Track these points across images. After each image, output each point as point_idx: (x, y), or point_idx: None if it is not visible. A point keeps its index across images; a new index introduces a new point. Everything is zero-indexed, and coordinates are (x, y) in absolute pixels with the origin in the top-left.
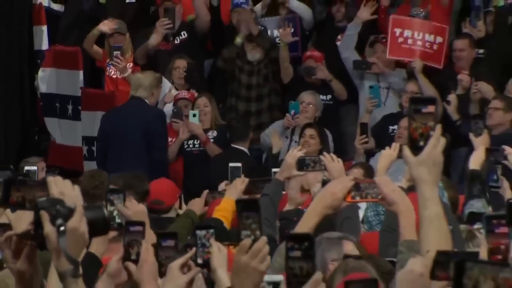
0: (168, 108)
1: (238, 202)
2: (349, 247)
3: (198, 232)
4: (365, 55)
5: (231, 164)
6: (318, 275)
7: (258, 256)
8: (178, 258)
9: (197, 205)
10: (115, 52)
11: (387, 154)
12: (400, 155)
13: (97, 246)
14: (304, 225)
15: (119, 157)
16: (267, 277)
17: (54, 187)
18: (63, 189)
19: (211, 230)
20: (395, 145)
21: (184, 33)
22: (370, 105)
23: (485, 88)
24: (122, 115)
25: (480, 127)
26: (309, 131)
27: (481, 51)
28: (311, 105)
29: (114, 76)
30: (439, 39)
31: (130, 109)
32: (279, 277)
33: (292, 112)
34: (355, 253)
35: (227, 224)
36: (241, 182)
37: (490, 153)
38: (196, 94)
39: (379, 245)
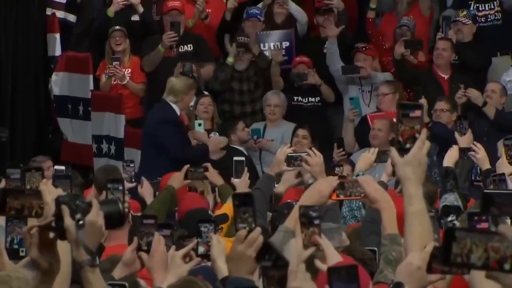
0: None
1: (235, 196)
2: (343, 237)
3: (200, 225)
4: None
5: (235, 158)
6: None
7: (253, 245)
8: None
9: (177, 179)
10: (114, 63)
11: (366, 157)
12: (376, 159)
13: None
14: (292, 221)
15: (148, 160)
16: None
17: (48, 195)
18: (56, 196)
19: (212, 224)
20: (374, 150)
21: (190, 46)
22: (351, 115)
23: (476, 95)
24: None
25: (465, 127)
26: (302, 132)
27: (456, 57)
28: (277, 107)
29: (114, 83)
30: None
31: (150, 113)
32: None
33: (255, 137)
34: (347, 242)
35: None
36: (244, 189)
37: (463, 151)
38: None
39: (361, 235)
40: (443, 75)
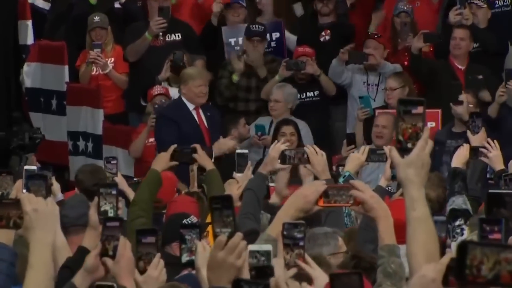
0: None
1: (212, 199)
2: (339, 242)
3: (183, 231)
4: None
5: (237, 151)
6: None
7: (235, 252)
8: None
9: (161, 161)
10: (95, 50)
11: (355, 157)
12: (368, 159)
13: (89, 240)
14: (275, 228)
15: None
16: (256, 247)
17: (28, 204)
18: (36, 205)
19: (196, 229)
20: (363, 149)
21: (178, 35)
22: (361, 115)
23: None
24: None
25: (478, 125)
26: (289, 129)
27: (476, 45)
28: (278, 103)
29: (96, 73)
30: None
31: None
32: (268, 247)
33: (259, 133)
34: (343, 248)
35: None
36: (237, 188)
37: (474, 151)
38: (169, 89)
39: (356, 242)
40: (459, 66)
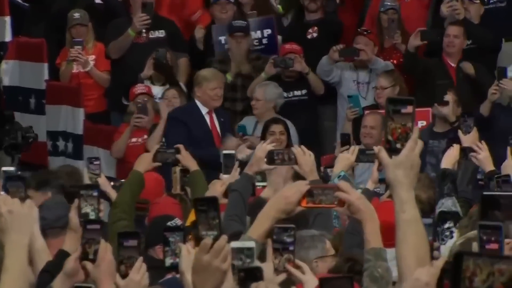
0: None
1: (197, 200)
2: (327, 245)
3: (167, 234)
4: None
5: (224, 152)
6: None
7: (220, 255)
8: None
9: (144, 162)
10: (76, 47)
11: (344, 158)
12: (357, 160)
13: (70, 243)
14: (256, 230)
15: None
16: (238, 244)
17: (2, 206)
18: (11, 207)
19: (181, 232)
20: (353, 149)
21: (162, 32)
22: (351, 114)
23: (511, 86)
24: None
25: (469, 124)
26: (278, 128)
27: (469, 42)
28: (259, 101)
29: (77, 71)
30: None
31: None
32: (251, 243)
33: (241, 134)
34: (331, 252)
35: None
36: (221, 184)
37: (465, 152)
38: (151, 87)
39: (343, 247)
40: (453, 64)
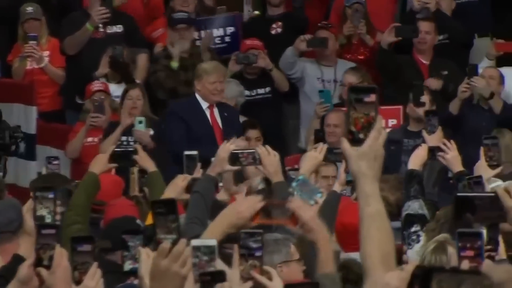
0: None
1: (154, 203)
2: (291, 250)
3: (126, 237)
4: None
5: (186, 153)
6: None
7: (179, 259)
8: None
9: (99, 163)
10: (30, 42)
11: (312, 157)
12: (325, 159)
13: (25, 248)
14: (216, 231)
15: None
16: (198, 242)
17: None
18: None
19: (140, 235)
20: (321, 147)
21: (120, 27)
22: (321, 110)
23: (483, 84)
24: None
25: (434, 124)
26: (254, 133)
27: (441, 37)
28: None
29: (30, 67)
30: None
31: None
32: (213, 241)
33: None
34: (296, 256)
35: None
36: (182, 179)
37: (432, 152)
38: (108, 85)
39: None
40: (424, 61)
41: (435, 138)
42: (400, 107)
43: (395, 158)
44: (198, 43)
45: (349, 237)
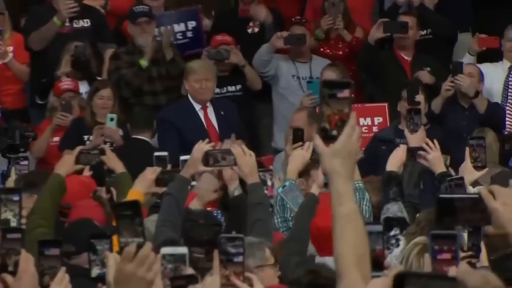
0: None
1: (117, 206)
2: (266, 254)
3: (94, 241)
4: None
5: (156, 154)
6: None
7: (145, 264)
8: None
9: (65, 164)
10: None
11: (299, 155)
12: (312, 157)
13: None
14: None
15: None
16: (169, 250)
17: None
18: None
19: (109, 240)
20: (308, 145)
21: (87, 21)
22: (309, 102)
23: (468, 83)
24: None
25: (416, 122)
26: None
27: (424, 32)
28: None
29: None
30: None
31: None
32: (183, 249)
33: None
34: (271, 261)
35: None
36: (151, 172)
37: (411, 152)
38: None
39: (282, 254)
40: (406, 57)
41: (417, 137)
42: (386, 104)
43: (387, 157)
44: (158, 39)
45: (325, 240)
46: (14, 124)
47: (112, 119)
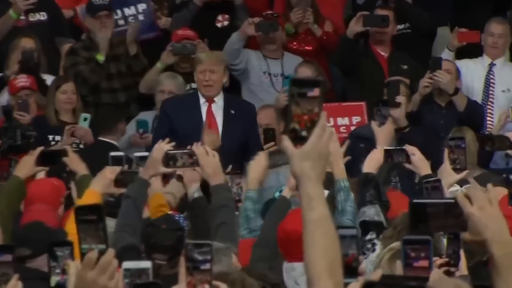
0: (4, 99)
1: (78, 209)
2: (233, 260)
3: (55, 249)
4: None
5: (111, 154)
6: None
7: (107, 271)
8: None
9: (25, 166)
10: None
11: (258, 163)
12: (271, 164)
13: None
14: None
15: None
16: (131, 264)
17: None
18: None
19: (69, 247)
20: (261, 154)
21: (43, 15)
22: (285, 99)
23: (447, 79)
24: None
25: (384, 114)
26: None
27: (401, 26)
28: (172, 95)
29: None
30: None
31: None
32: (147, 264)
33: (141, 131)
34: (238, 267)
35: None
36: (111, 171)
37: (389, 154)
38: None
39: (250, 260)
40: (383, 53)
41: (385, 130)
42: (363, 103)
43: (365, 156)
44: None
45: (293, 246)
46: (14, 123)
47: (85, 119)
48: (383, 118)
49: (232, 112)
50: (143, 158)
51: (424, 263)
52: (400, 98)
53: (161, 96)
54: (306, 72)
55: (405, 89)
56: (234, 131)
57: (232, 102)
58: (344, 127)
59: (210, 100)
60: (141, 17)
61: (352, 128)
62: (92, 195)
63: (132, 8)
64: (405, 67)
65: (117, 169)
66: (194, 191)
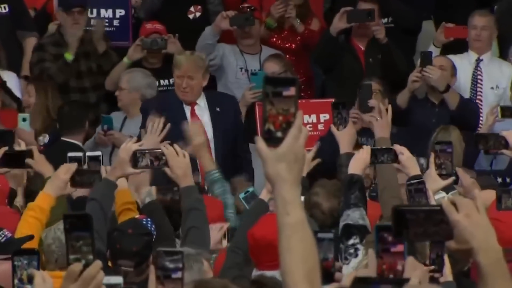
0: None
1: (66, 217)
2: (205, 266)
3: (16, 258)
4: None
5: (88, 154)
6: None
7: (91, 284)
8: None
9: None
10: None
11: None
12: None
13: None
14: None
15: None
16: (104, 279)
17: None
18: None
19: (35, 255)
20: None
21: (5, 7)
22: (251, 97)
23: (437, 75)
24: None
25: (344, 117)
26: None
27: (385, 20)
28: (123, 91)
29: None
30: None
31: None
32: (118, 279)
33: (105, 127)
34: (210, 273)
35: (40, 229)
36: (65, 171)
37: (375, 155)
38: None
39: (222, 266)
40: (361, 47)
41: (347, 133)
42: (332, 100)
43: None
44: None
45: (262, 253)
46: None
47: (24, 119)
48: (343, 121)
49: (218, 109)
50: (94, 159)
51: (401, 247)
52: (372, 102)
53: (118, 93)
54: (273, 67)
55: (378, 86)
56: (225, 128)
57: (215, 100)
58: (310, 126)
59: (192, 103)
60: (116, 23)
61: (320, 126)
62: (44, 198)
63: (110, 11)
64: (379, 56)
65: (72, 168)
66: (146, 196)
